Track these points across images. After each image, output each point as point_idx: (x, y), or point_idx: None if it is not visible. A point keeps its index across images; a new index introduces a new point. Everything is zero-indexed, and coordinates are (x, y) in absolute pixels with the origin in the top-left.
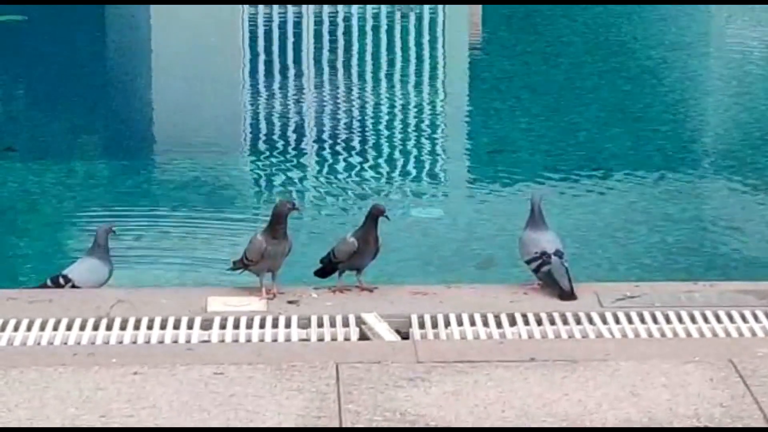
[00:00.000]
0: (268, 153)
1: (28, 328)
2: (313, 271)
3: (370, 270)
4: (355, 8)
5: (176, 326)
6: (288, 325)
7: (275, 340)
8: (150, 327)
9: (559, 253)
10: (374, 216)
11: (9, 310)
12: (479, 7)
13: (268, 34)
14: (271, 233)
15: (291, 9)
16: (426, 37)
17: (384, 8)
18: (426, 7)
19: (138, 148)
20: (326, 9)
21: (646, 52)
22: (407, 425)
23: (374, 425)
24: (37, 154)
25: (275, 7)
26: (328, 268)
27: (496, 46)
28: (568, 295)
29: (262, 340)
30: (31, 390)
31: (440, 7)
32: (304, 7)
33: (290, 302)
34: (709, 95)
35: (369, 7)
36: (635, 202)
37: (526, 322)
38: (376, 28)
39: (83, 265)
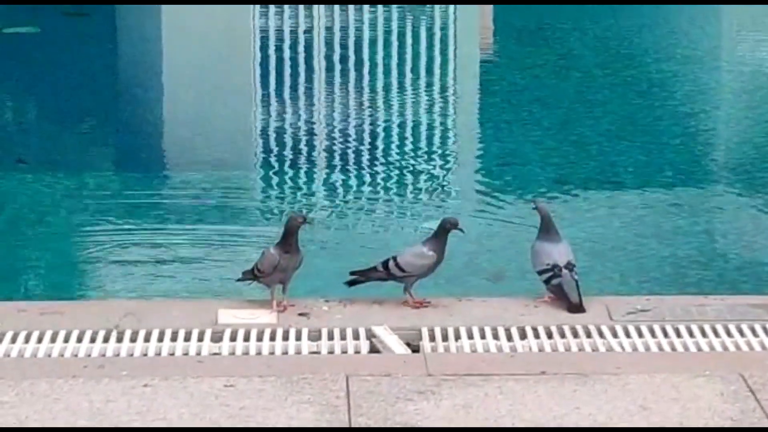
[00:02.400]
0: (279, 165)
1: (39, 340)
2: (345, 281)
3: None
4: (366, 20)
5: (186, 338)
6: (298, 338)
7: (286, 353)
8: (160, 339)
9: (570, 266)
10: (447, 229)
11: (20, 321)
12: (490, 20)
13: (279, 45)
14: (283, 246)
15: (302, 20)
16: (437, 50)
17: (395, 20)
18: (437, 20)
19: (149, 159)
20: (337, 21)
21: (656, 66)
22: None
23: None
24: (48, 166)
25: (286, 18)
26: (372, 278)
27: (506, 59)
28: (577, 308)
29: (272, 353)
30: (42, 402)
31: (451, 19)
32: (315, 18)
33: (301, 315)
34: (720, 109)
35: (380, 19)
36: (646, 215)
37: (537, 335)
38: (386, 41)
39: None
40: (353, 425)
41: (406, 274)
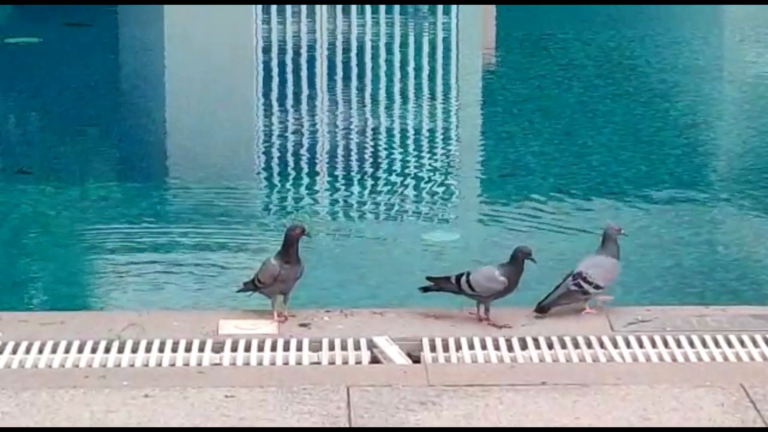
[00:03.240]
0: (280, 176)
1: (40, 351)
2: (420, 287)
3: (382, 293)
4: (368, 30)
5: (188, 349)
6: (299, 348)
7: (286, 363)
8: (161, 349)
9: (579, 275)
10: (520, 258)
11: (21, 332)
12: (492, 30)
13: (281, 56)
14: (283, 257)
15: (304, 31)
16: (439, 60)
17: (398, 30)
18: (440, 30)
19: (151, 170)
20: (340, 31)
21: (658, 76)
22: None
23: None
24: (50, 176)
25: (288, 28)
26: (444, 289)
27: (509, 69)
28: (540, 308)
29: (273, 363)
30: (43, 412)
31: (454, 29)
32: (317, 30)
33: (302, 325)
34: (722, 119)
35: (383, 29)
36: (647, 225)
37: (538, 346)
38: (389, 51)
39: None
40: None
41: (474, 293)
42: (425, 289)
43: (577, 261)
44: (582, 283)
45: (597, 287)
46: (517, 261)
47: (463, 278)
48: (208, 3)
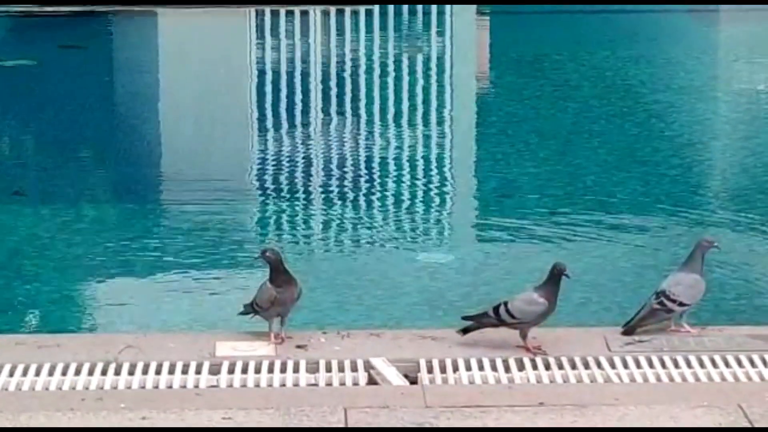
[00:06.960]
0: (275, 197)
1: (37, 373)
2: (458, 329)
3: (379, 314)
4: (362, 51)
5: (185, 371)
6: (296, 370)
7: (284, 385)
8: (158, 372)
9: (661, 293)
10: (557, 275)
11: (18, 354)
12: (487, 51)
13: (275, 78)
14: (275, 282)
15: (299, 51)
16: (434, 82)
17: (392, 51)
18: (434, 51)
19: (146, 192)
20: (333, 53)
21: (653, 96)
22: None
23: None
24: (45, 198)
25: (283, 50)
26: (484, 325)
27: (503, 90)
28: (626, 330)
29: (270, 385)
30: None
31: (448, 50)
32: (311, 50)
33: (299, 347)
34: (717, 139)
35: (377, 50)
36: (643, 246)
37: (535, 367)
38: (383, 72)
39: None
40: None
41: (517, 321)
42: (465, 331)
43: (662, 279)
44: (665, 301)
45: (681, 304)
46: (553, 279)
47: (502, 308)
48: (202, 3)
